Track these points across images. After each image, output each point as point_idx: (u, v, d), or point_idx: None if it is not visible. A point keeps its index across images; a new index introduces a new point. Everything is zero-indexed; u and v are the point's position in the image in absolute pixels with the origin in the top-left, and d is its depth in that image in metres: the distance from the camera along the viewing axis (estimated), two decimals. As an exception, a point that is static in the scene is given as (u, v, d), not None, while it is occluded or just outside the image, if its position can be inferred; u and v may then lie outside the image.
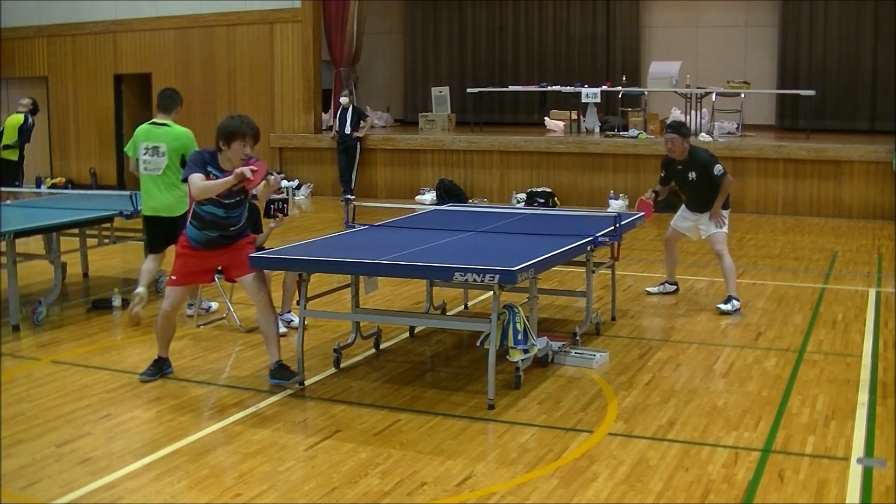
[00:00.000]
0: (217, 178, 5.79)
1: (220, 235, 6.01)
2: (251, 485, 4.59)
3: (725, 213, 8.23)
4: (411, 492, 4.51)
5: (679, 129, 8.24)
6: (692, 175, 8.13)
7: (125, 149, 8.07)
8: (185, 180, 5.94)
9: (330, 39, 17.94)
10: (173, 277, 6.12)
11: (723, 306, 8.02)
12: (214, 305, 8.13)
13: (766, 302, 8.44)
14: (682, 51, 17.72)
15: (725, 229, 8.22)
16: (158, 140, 7.64)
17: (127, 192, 9.08)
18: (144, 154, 7.63)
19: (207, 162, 5.88)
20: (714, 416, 5.52)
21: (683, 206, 8.48)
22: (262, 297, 6.02)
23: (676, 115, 16.51)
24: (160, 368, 6.29)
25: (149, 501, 4.44)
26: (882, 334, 7.29)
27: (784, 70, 17.68)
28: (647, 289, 8.71)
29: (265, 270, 6.29)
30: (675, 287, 8.74)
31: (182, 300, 6.33)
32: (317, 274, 6.44)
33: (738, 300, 8.07)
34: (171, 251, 6.60)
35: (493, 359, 5.69)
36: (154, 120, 7.81)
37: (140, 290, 7.43)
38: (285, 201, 7.51)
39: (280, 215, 7.48)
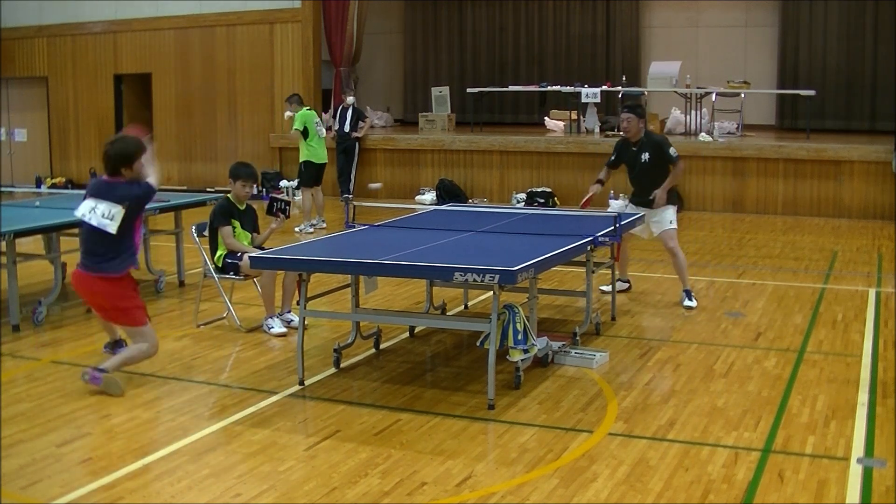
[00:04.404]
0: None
1: None
2: (251, 485, 4.59)
3: (672, 209, 8.24)
4: (411, 492, 4.50)
5: (635, 108, 8.27)
6: (645, 156, 8.13)
7: (297, 126, 12.65)
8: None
9: (330, 39, 17.94)
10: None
11: (689, 303, 8.16)
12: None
13: (766, 302, 8.44)
14: (682, 51, 17.73)
15: (675, 225, 8.27)
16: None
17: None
18: (317, 126, 12.88)
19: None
20: (714, 416, 5.51)
21: (630, 203, 8.52)
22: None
23: (676, 115, 16.53)
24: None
25: (149, 501, 4.44)
26: (882, 334, 7.29)
27: (784, 70, 17.68)
28: (601, 287, 8.50)
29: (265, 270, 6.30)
30: (628, 285, 8.75)
31: None
32: (317, 274, 6.44)
33: (692, 292, 8.29)
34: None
35: (493, 359, 5.69)
36: (308, 108, 13.09)
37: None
38: (288, 203, 7.57)
39: (281, 215, 7.53)
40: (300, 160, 12.93)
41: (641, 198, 8.29)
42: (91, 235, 5.98)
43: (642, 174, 8.25)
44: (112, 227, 5.87)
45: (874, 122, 16.80)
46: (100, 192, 5.97)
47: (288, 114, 12.92)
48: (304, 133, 12.66)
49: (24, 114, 19.75)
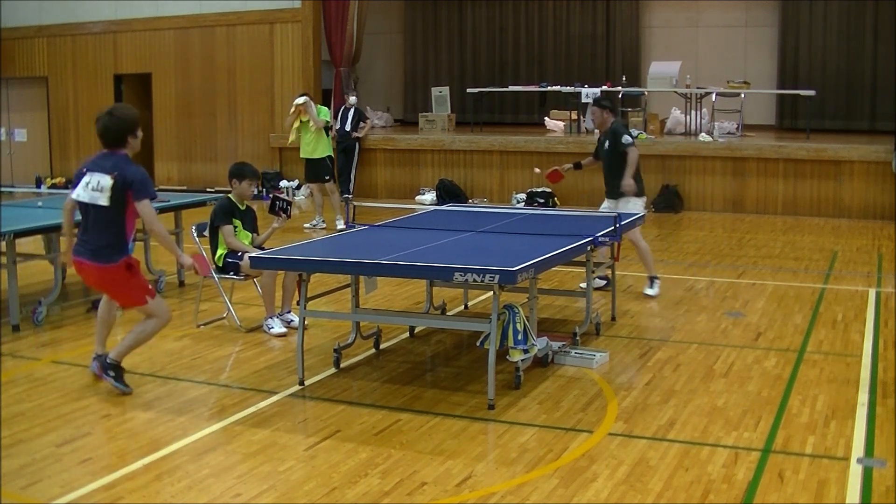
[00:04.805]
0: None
1: None
2: (251, 485, 4.59)
3: (638, 201, 8.47)
4: (411, 492, 4.51)
5: (599, 101, 8.83)
6: (606, 144, 8.56)
7: (326, 118, 12.94)
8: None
9: (330, 39, 17.93)
10: None
11: (649, 291, 8.48)
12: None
13: (766, 302, 8.44)
14: (682, 51, 17.72)
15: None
16: None
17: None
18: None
19: None
20: (714, 416, 5.52)
21: (606, 197, 8.76)
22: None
23: (676, 115, 16.52)
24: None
25: (149, 501, 4.44)
26: (882, 334, 7.29)
27: (784, 70, 17.67)
28: (580, 285, 8.47)
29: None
30: (606, 282, 8.71)
31: None
32: (317, 274, 6.44)
33: (658, 279, 8.54)
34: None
35: (493, 359, 5.69)
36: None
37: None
38: (289, 203, 7.58)
39: (283, 215, 7.55)
40: (323, 155, 12.95)
41: (608, 188, 8.65)
42: (86, 220, 5.76)
43: (606, 162, 8.64)
44: (103, 199, 5.60)
45: (874, 122, 16.79)
46: (96, 165, 5.75)
47: (301, 99, 12.62)
48: (325, 128, 12.90)
49: (24, 114, 19.75)
